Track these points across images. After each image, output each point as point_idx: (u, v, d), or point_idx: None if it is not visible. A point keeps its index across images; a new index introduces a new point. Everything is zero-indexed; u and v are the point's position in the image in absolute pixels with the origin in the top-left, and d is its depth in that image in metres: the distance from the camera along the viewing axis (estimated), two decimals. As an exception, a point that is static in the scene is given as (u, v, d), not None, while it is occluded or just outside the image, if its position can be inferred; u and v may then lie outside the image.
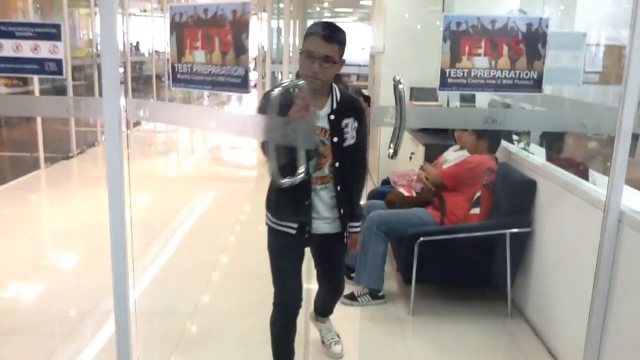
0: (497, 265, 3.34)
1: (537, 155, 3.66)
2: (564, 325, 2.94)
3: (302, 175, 1.85)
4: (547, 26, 2.21)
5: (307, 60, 2.17)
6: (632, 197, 2.45)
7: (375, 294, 3.50)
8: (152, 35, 14.19)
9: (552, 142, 3.66)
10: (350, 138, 2.32)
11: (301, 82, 2.01)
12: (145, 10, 15.35)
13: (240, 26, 1.80)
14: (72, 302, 3.57)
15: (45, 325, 3.27)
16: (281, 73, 7.42)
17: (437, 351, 3.09)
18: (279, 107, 1.83)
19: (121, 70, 8.33)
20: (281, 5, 9.14)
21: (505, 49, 2.21)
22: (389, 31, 5.88)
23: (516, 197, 3.31)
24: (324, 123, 2.29)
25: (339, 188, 2.36)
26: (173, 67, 2.04)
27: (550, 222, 3.15)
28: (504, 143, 3.85)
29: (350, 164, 2.36)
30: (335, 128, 2.30)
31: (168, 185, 6.95)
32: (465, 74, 2.21)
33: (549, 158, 3.54)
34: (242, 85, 1.83)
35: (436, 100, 5.22)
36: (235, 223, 5.24)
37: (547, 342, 3.11)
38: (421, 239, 3.26)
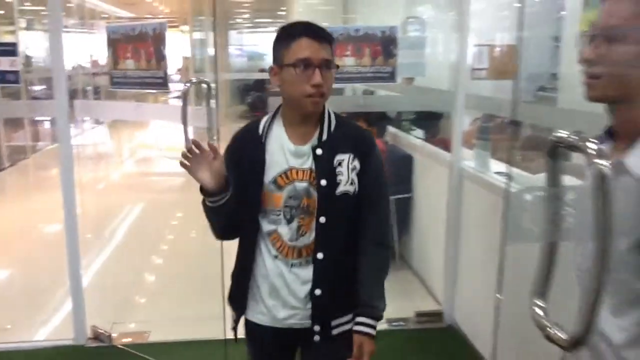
0: (385, 225, 4.10)
1: (418, 137, 4.47)
2: (437, 267, 3.72)
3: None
4: (396, 32, 2.97)
5: (302, 73, 1.54)
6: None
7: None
8: (75, 50, 14.34)
9: (429, 127, 4.48)
10: (346, 182, 1.61)
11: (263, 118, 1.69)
12: (66, 27, 15.47)
13: (158, 40, 2.49)
14: (31, 286, 4.07)
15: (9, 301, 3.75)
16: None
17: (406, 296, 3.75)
18: (235, 161, 1.64)
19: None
20: (202, 17, 9.69)
21: (367, 50, 2.95)
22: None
23: (399, 169, 4.08)
24: (306, 162, 1.62)
25: (319, 255, 1.63)
26: (111, 74, 2.67)
27: (425, 187, 3.94)
28: (393, 129, 4.64)
29: (346, 223, 1.66)
30: (324, 167, 1.60)
31: (100, 195, 7.27)
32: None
33: (426, 139, 4.35)
34: (163, 84, 2.54)
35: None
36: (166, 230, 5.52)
37: (426, 282, 3.88)
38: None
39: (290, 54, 1.55)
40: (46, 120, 9.74)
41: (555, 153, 0.82)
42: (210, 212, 1.63)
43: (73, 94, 13.22)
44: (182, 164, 1.55)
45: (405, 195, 4.00)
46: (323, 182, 1.59)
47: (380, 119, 4.33)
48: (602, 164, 0.75)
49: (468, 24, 3.22)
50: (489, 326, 2.71)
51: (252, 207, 1.64)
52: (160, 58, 2.51)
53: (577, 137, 0.78)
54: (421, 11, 7.16)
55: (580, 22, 5.22)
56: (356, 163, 1.63)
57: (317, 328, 1.65)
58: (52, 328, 3.41)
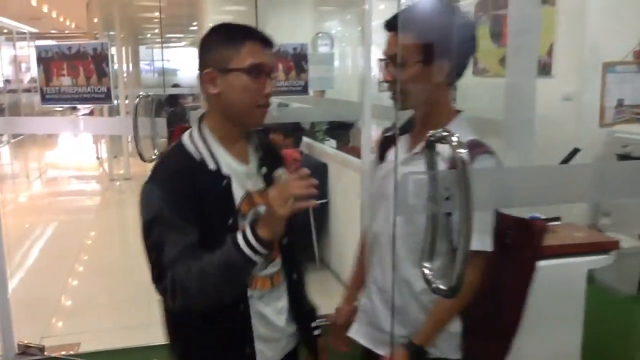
0: (305, 231, 4.34)
1: (331, 147, 4.77)
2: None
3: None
4: (307, 49, 3.24)
5: (254, 81, 1.40)
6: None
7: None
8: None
9: (340, 136, 4.79)
10: None
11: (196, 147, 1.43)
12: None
13: (101, 58, 2.66)
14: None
15: None
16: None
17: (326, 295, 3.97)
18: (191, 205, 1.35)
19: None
20: (112, 32, 9.62)
21: (280, 66, 3.19)
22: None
23: (314, 177, 4.32)
24: (257, 182, 1.50)
25: (295, 276, 1.60)
26: (42, 90, 2.77)
27: (339, 192, 4.22)
28: (307, 139, 4.91)
29: (295, 237, 1.61)
30: (269, 184, 1.45)
31: (7, 216, 7.11)
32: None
33: (339, 147, 4.65)
34: (106, 98, 2.73)
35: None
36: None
37: (345, 282, 4.14)
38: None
39: (240, 57, 1.38)
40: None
41: (431, 145, 1.08)
42: (244, 271, 1.34)
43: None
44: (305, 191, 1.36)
45: (322, 201, 4.26)
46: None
47: (295, 130, 4.59)
48: (462, 152, 1.01)
49: (371, 39, 3.52)
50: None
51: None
52: (102, 75, 2.71)
53: (445, 134, 1.04)
54: (329, 26, 7.51)
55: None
56: (285, 175, 1.47)
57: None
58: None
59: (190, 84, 12.45)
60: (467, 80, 4.99)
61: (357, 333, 1.70)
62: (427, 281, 1.15)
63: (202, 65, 1.43)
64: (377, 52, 4.27)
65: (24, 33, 17.23)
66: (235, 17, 7.00)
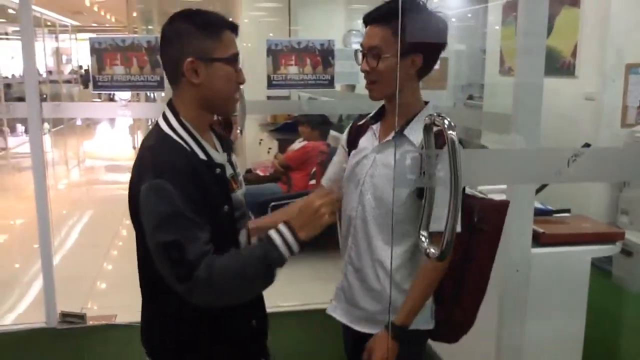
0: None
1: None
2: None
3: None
4: (334, 45, 3.41)
5: (234, 71, 1.42)
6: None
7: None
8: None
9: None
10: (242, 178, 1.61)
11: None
12: (7, 34, 15.35)
13: (154, 50, 2.96)
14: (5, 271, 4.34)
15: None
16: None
17: (292, 284, 4.15)
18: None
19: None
20: (150, 26, 9.92)
21: (308, 60, 3.38)
22: (247, 49, 6.97)
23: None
24: (229, 168, 1.53)
25: None
26: (94, 77, 3.02)
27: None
28: (334, 133, 5.08)
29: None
30: (236, 172, 1.58)
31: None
32: (283, 78, 3.35)
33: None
34: (159, 86, 3.01)
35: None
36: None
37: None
38: (272, 203, 4.36)
39: (222, 46, 1.38)
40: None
41: (429, 127, 1.26)
42: (275, 269, 1.35)
43: (19, 101, 13.14)
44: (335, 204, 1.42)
45: (345, 191, 4.44)
46: (242, 187, 1.56)
47: (322, 124, 4.77)
48: (453, 134, 1.18)
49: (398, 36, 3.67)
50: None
51: (229, 241, 1.44)
52: (156, 65, 3.04)
53: (439, 117, 1.21)
54: (361, 23, 7.63)
55: (501, 37, 5.82)
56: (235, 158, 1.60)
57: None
58: (23, 312, 3.71)
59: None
60: (494, 79, 5.14)
61: (335, 311, 1.81)
62: (422, 247, 1.32)
63: (176, 54, 1.37)
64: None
65: (66, 26, 17.80)
66: (270, 13, 7.21)
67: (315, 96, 4.23)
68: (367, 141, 1.72)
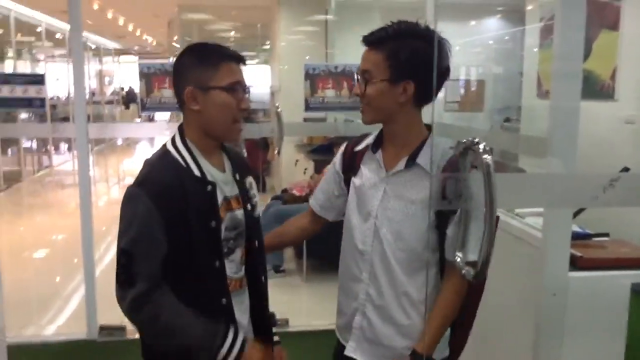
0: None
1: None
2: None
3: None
4: (371, 68, 3.47)
5: (232, 98, 1.52)
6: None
7: (277, 269, 4.62)
8: (69, 80, 14.73)
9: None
10: (257, 204, 1.70)
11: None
12: (52, 57, 15.93)
13: None
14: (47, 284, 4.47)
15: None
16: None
17: (325, 303, 4.17)
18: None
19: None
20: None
21: (345, 84, 3.44)
22: (284, 71, 7.10)
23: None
24: (233, 188, 1.61)
25: (262, 279, 1.72)
26: (142, 100, 3.16)
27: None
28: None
29: (261, 240, 1.71)
30: (244, 192, 1.65)
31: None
32: (321, 101, 3.42)
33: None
34: None
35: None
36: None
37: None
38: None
39: (219, 76, 1.50)
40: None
41: (464, 152, 1.29)
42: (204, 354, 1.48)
43: (64, 121, 13.60)
44: None
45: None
46: (248, 207, 1.63)
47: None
48: (488, 159, 1.21)
49: (435, 60, 3.70)
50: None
51: (211, 255, 1.53)
52: None
53: (474, 142, 1.24)
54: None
55: (539, 60, 5.80)
56: (254, 183, 1.71)
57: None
58: (63, 324, 3.85)
59: (260, 100, 13.02)
60: (532, 102, 5.11)
61: (356, 352, 1.70)
62: (458, 268, 1.34)
63: (181, 84, 1.52)
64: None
65: (109, 49, 18.37)
66: (307, 37, 7.32)
67: (352, 118, 4.28)
68: (372, 170, 1.65)
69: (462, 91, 6.35)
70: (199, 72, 1.50)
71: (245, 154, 3.99)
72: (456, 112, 5.43)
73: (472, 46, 7.19)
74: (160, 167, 1.50)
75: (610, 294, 2.41)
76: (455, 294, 1.57)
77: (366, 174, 1.67)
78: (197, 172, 1.51)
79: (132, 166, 12.11)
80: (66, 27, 11.65)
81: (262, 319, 1.72)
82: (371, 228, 1.62)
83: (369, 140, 1.70)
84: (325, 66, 3.43)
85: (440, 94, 3.99)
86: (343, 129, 3.58)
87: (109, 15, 10.42)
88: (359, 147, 1.72)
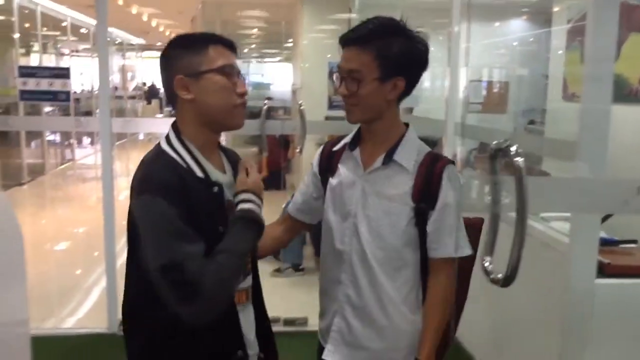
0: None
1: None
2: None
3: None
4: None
5: (228, 81, 1.41)
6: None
7: (296, 267, 4.62)
8: (92, 74, 14.89)
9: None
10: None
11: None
12: (77, 51, 16.10)
13: None
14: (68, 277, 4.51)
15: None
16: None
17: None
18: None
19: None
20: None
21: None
22: (306, 70, 7.09)
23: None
24: (233, 190, 1.46)
25: (258, 286, 1.59)
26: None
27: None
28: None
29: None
30: None
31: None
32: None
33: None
34: None
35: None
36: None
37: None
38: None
39: (209, 59, 1.38)
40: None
41: (495, 155, 1.26)
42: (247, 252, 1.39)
43: (87, 115, 13.74)
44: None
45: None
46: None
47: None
48: (519, 161, 1.18)
49: (457, 60, 3.67)
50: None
51: None
52: None
53: (505, 145, 1.22)
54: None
55: (565, 62, 5.72)
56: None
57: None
58: (83, 317, 3.88)
59: (282, 97, 13.05)
60: (557, 105, 5.04)
61: (334, 355, 1.66)
62: (486, 272, 1.31)
63: (170, 76, 1.40)
64: (466, 73, 4.40)
65: (133, 44, 18.52)
66: (329, 35, 7.30)
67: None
68: (349, 169, 1.63)
69: (484, 92, 6.27)
70: (187, 59, 1.38)
71: (267, 151, 3.98)
72: (478, 114, 5.37)
73: (495, 47, 7.10)
74: (159, 167, 1.35)
75: (638, 302, 2.36)
76: (445, 294, 1.56)
77: (344, 172, 1.64)
78: (199, 173, 1.38)
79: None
80: (90, 21, 11.81)
81: (266, 330, 1.58)
82: (350, 227, 1.59)
83: (347, 139, 1.67)
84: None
85: (462, 95, 3.95)
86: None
87: (134, 10, 10.49)
88: (337, 147, 1.69)
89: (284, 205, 1.86)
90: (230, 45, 1.42)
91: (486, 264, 1.32)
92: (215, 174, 1.42)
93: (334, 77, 1.57)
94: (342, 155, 1.66)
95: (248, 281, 1.51)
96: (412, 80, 1.54)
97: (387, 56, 1.47)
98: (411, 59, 1.51)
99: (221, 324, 1.35)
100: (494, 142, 1.27)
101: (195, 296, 1.23)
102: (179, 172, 1.34)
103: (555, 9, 5.80)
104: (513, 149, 1.20)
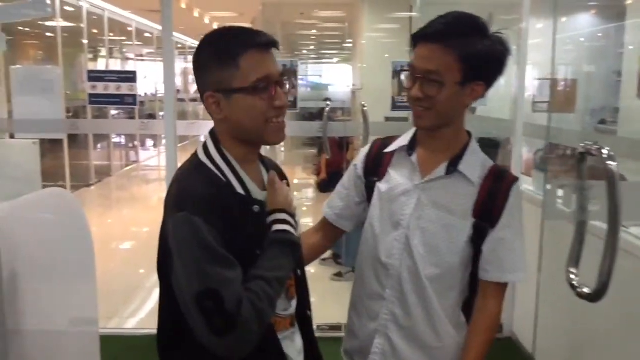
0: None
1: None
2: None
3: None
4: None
5: (261, 99, 1.24)
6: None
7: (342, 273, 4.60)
8: (155, 78, 15.29)
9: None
10: (299, 224, 1.38)
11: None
12: (141, 55, 16.57)
13: (290, 73, 3.11)
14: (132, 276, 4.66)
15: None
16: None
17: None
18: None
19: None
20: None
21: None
22: (366, 70, 7.02)
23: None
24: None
25: (308, 313, 1.44)
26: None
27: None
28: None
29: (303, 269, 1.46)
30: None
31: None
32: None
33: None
34: (294, 106, 3.25)
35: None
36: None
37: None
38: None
39: (241, 74, 1.21)
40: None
41: (583, 158, 1.17)
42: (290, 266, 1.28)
43: (150, 117, 14.13)
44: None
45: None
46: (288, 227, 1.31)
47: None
48: (612, 165, 1.09)
49: (526, 58, 3.53)
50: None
51: None
52: (292, 86, 3.27)
53: (596, 147, 1.12)
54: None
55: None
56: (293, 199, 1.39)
57: None
58: (145, 317, 3.95)
59: (341, 99, 13.04)
60: (631, 103, 4.80)
61: None
62: (572, 286, 1.22)
63: (201, 86, 1.27)
64: (533, 72, 4.23)
65: (194, 48, 18.90)
66: (389, 35, 7.22)
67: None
68: (403, 175, 1.49)
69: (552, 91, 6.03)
70: (217, 72, 1.23)
71: (330, 154, 3.94)
72: (545, 113, 5.17)
73: (562, 43, 6.84)
74: (196, 182, 1.23)
75: None
76: (494, 321, 1.45)
77: (396, 178, 1.50)
78: (240, 190, 1.25)
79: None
80: (154, 26, 12.11)
81: (314, 356, 1.44)
82: (400, 239, 1.46)
83: (402, 141, 1.53)
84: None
85: (528, 94, 3.78)
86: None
87: (196, 14, 10.69)
88: (389, 149, 1.55)
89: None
90: (266, 45, 1.25)
91: (572, 277, 1.22)
92: (256, 191, 1.29)
93: (404, 76, 1.43)
94: (394, 159, 1.53)
95: (292, 306, 1.37)
96: (490, 85, 1.42)
97: (471, 58, 1.33)
98: (492, 62, 1.38)
99: (262, 354, 1.22)
100: (581, 145, 1.17)
101: (231, 328, 1.11)
102: (219, 187, 1.22)
103: (629, 1, 5.53)
104: (605, 152, 1.10)
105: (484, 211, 1.39)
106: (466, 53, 1.33)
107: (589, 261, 1.25)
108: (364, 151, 1.62)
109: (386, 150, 1.55)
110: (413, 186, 1.46)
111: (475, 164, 1.44)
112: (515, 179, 1.45)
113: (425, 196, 1.44)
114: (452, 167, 1.42)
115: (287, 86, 1.31)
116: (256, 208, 1.25)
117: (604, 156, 1.10)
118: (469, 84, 1.36)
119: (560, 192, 1.16)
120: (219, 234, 1.15)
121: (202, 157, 1.28)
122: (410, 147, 1.50)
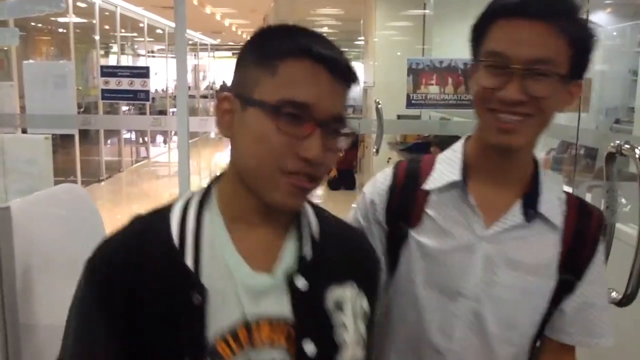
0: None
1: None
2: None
3: None
4: (477, 64, 3.29)
5: (281, 130, 0.79)
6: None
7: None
8: (167, 74, 15.34)
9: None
10: (354, 343, 0.88)
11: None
12: (153, 52, 16.63)
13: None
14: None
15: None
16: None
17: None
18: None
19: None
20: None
21: (449, 79, 3.28)
22: (378, 67, 6.97)
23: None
24: (278, 305, 0.84)
25: None
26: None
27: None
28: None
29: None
30: (310, 315, 0.85)
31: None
32: (423, 97, 3.28)
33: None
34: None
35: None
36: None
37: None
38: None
39: (273, 84, 0.80)
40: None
41: (612, 157, 1.13)
42: None
43: (161, 114, 14.15)
44: None
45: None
46: (309, 349, 0.83)
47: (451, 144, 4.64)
48: (646, 165, 1.05)
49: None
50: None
51: None
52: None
53: (628, 146, 1.08)
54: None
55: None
56: (364, 301, 0.91)
57: None
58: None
59: (352, 96, 13.01)
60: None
61: None
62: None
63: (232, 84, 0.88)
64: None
65: (205, 44, 18.95)
66: (402, 32, 7.17)
67: (448, 116, 4.10)
68: (457, 222, 1.06)
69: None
70: (251, 70, 0.83)
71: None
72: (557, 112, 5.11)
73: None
74: (138, 230, 0.90)
75: None
76: None
77: (443, 225, 1.07)
78: (188, 262, 0.82)
79: (223, 159, 12.44)
80: (165, 22, 12.13)
81: None
82: (465, 314, 1.05)
83: (447, 172, 1.08)
84: (429, 61, 3.28)
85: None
86: (438, 127, 3.45)
87: (207, 10, 10.69)
88: (430, 186, 1.10)
89: (354, 205, 1.28)
90: (338, 70, 0.82)
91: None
92: (235, 269, 0.83)
93: (484, 71, 1.00)
94: (434, 194, 1.09)
95: None
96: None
97: (584, 48, 0.96)
98: (592, 55, 0.98)
99: None
100: (611, 144, 1.13)
101: None
102: (158, 249, 0.83)
103: (647, 0, 5.46)
104: (638, 151, 1.04)
105: (571, 262, 1.04)
106: (577, 36, 0.95)
107: (618, 265, 1.19)
108: (382, 181, 1.15)
109: (426, 187, 1.10)
110: (475, 238, 1.05)
111: (552, 199, 1.06)
112: (602, 214, 1.10)
113: (497, 252, 1.04)
114: (531, 210, 1.03)
115: (340, 142, 0.84)
116: (195, 299, 0.80)
117: (638, 156, 1.04)
118: (571, 82, 0.98)
119: (588, 195, 1.13)
120: (112, 321, 0.80)
121: (177, 206, 0.88)
122: (464, 179, 1.06)
